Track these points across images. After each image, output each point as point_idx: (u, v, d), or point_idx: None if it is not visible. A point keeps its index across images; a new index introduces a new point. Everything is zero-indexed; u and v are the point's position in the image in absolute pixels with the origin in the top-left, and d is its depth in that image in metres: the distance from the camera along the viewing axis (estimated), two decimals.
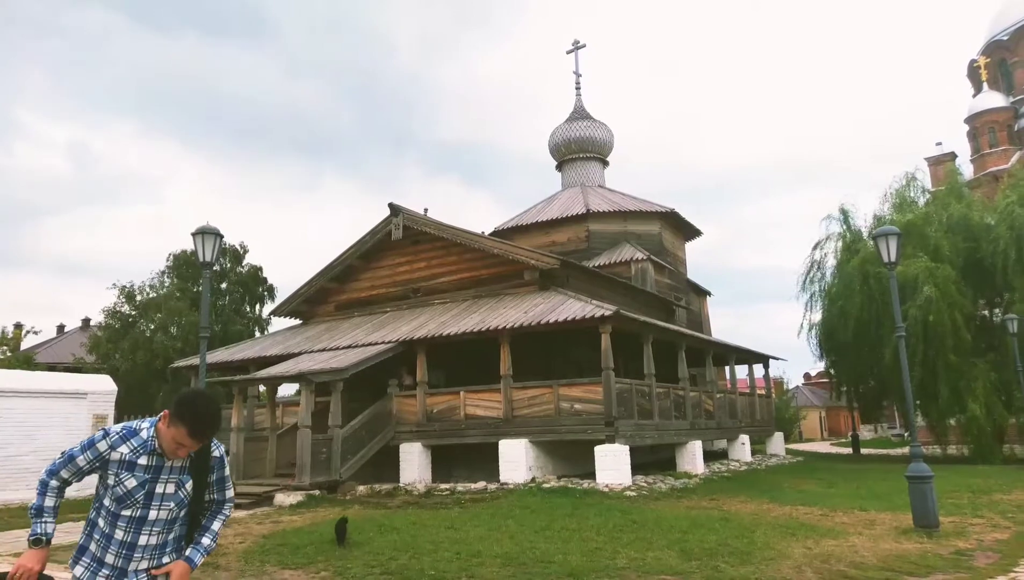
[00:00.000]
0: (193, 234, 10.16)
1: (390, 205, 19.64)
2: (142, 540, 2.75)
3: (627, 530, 9.75)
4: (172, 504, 2.80)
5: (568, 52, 31.04)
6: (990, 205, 23.37)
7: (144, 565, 2.77)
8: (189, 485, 2.83)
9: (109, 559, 2.74)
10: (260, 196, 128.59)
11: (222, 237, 10.24)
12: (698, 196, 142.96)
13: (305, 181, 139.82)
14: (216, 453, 2.92)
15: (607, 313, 14.34)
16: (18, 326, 36.37)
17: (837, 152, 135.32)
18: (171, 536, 2.84)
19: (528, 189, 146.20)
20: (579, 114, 30.22)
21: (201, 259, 10.01)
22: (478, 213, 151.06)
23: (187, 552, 2.88)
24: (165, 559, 2.83)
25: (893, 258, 10.05)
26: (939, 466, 18.88)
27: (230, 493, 3.02)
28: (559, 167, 30.55)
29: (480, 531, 9.95)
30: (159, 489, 2.76)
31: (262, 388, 17.57)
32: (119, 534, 2.74)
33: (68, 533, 10.62)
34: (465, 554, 8.45)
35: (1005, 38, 42.87)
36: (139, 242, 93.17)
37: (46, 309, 77.03)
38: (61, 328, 44.06)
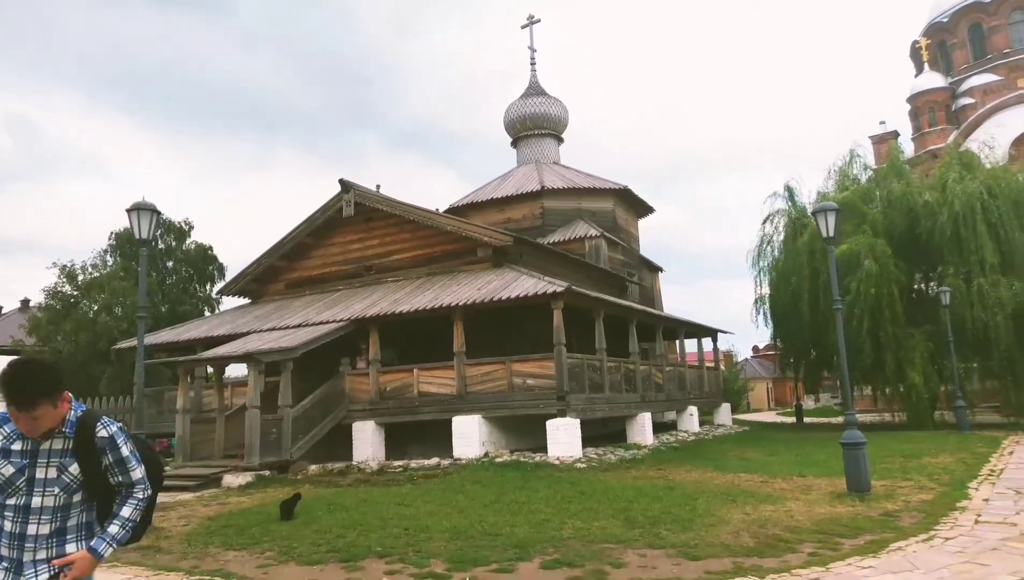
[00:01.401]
0: (128, 210, 9.86)
1: (341, 181, 19.37)
2: (31, 530, 2.62)
3: (575, 501, 9.95)
4: (56, 489, 2.65)
5: (523, 27, 30.82)
6: (927, 182, 24.16)
7: (43, 555, 2.64)
8: (74, 468, 2.66)
9: (3, 551, 2.63)
10: (215, 173, 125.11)
11: (159, 213, 9.97)
12: (664, 175, 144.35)
13: (263, 158, 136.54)
14: (103, 432, 2.70)
15: (559, 289, 14.46)
16: None
17: (809, 132, 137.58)
18: (69, 523, 2.70)
19: (492, 166, 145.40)
20: (534, 90, 30.09)
21: (137, 236, 9.75)
22: (443, 190, 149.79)
23: (92, 542, 2.72)
24: (69, 547, 2.70)
25: (831, 233, 10.35)
26: (877, 432, 19.71)
27: (137, 474, 2.79)
28: (514, 144, 30.44)
29: (430, 507, 10.03)
30: (40, 474, 2.62)
31: (211, 369, 17.29)
32: (8, 525, 2.63)
33: None
34: (413, 529, 8.52)
35: (945, 20, 44.00)
36: (83, 220, 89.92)
37: None
38: None
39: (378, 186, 19.88)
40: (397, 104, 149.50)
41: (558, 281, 15.13)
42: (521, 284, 15.31)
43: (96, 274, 36.11)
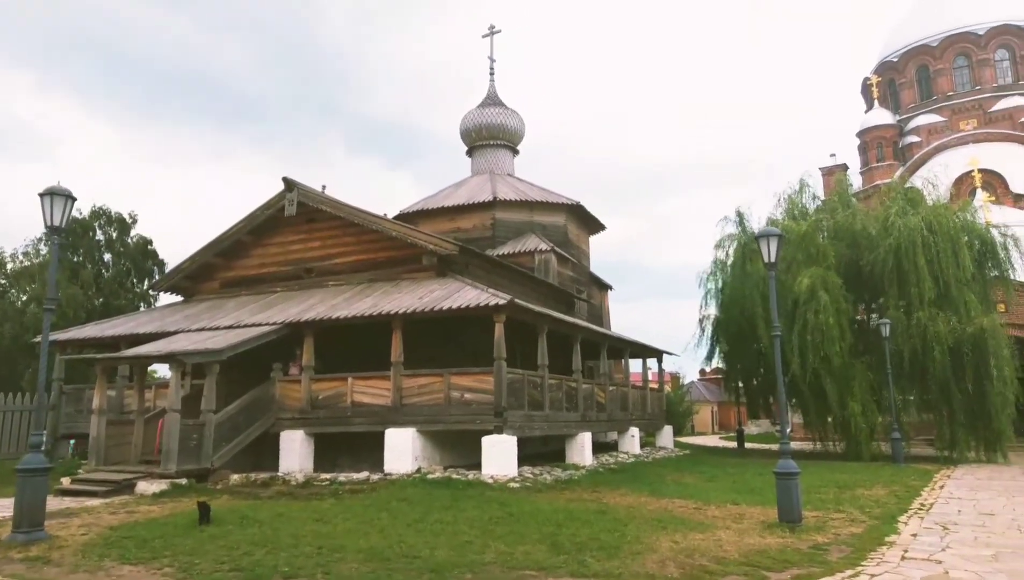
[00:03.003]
0: (40, 195, 9.17)
1: (284, 179, 18.71)
2: None
3: (502, 523, 9.57)
4: None
5: (484, 36, 30.69)
6: (872, 215, 24.65)
7: None
8: None
9: None
10: (168, 165, 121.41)
11: (74, 200, 9.30)
12: (617, 194, 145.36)
13: (218, 152, 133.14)
14: None
15: (501, 302, 14.10)
16: None
17: (762, 156, 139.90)
18: None
19: (448, 174, 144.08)
20: (491, 100, 29.88)
21: (47, 224, 9.07)
22: (400, 196, 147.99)
23: None
24: None
25: (773, 259, 10.26)
26: (815, 462, 19.79)
27: None
28: (469, 153, 30.16)
29: (350, 524, 9.53)
30: None
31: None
32: None
33: None
34: (327, 549, 8.04)
35: (895, 60, 45.56)
36: (19, 205, 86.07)
37: None
38: None
39: (323, 187, 19.31)
40: (359, 105, 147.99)
41: (502, 294, 14.77)
42: (464, 295, 14.91)
43: (27, 263, 34.53)
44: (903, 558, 7.80)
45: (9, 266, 34.85)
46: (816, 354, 20.58)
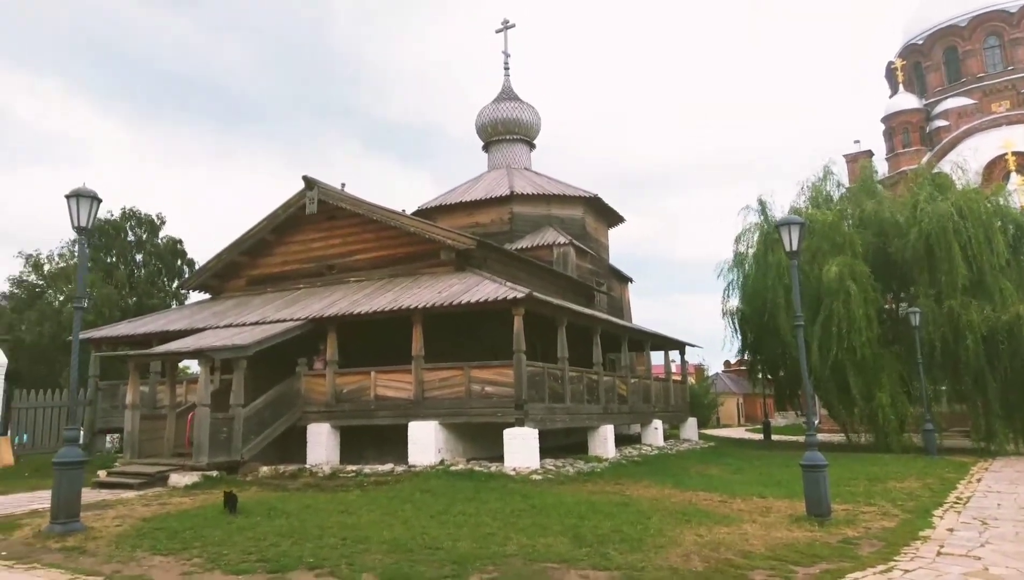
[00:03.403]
0: (67, 196, 9.37)
1: (304, 178, 18.93)
2: None
3: (525, 515, 9.60)
4: None
5: (497, 31, 30.57)
6: (899, 202, 24.19)
7: None
8: None
9: None
10: (190, 167, 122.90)
11: (100, 201, 9.48)
12: (639, 186, 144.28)
13: (219, 152, 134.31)
14: None
15: (520, 296, 14.13)
16: None
17: (784, 147, 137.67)
18: None
19: (465, 170, 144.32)
20: (507, 95, 29.84)
21: (75, 224, 9.26)
22: (419, 192, 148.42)
23: None
24: None
25: (795, 247, 10.13)
26: (844, 454, 19.51)
27: None
28: (486, 148, 30.16)
29: (374, 516, 9.65)
30: None
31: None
32: None
33: None
34: (351, 540, 8.15)
35: (920, 42, 44.45)
36: (51, 207, 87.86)
37: None
38: None
39: (343, 185, 19.46)
40: (375, 104, 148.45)
41: (520, 287, 14.78)
42: (482, 289, 14.96)
43: (63, 264, 35.40)
44: (939, 553, 7.50)
45: (46, 267, 35.76)
46: (840, 345, 20.28)
